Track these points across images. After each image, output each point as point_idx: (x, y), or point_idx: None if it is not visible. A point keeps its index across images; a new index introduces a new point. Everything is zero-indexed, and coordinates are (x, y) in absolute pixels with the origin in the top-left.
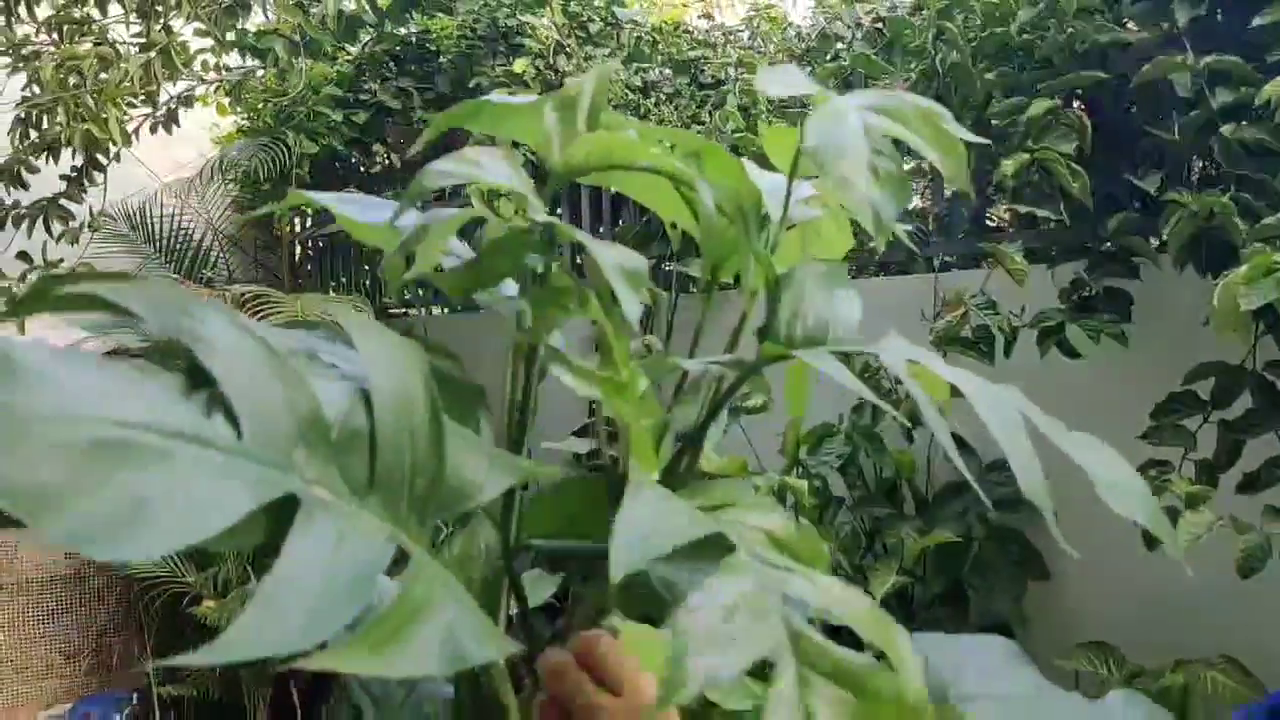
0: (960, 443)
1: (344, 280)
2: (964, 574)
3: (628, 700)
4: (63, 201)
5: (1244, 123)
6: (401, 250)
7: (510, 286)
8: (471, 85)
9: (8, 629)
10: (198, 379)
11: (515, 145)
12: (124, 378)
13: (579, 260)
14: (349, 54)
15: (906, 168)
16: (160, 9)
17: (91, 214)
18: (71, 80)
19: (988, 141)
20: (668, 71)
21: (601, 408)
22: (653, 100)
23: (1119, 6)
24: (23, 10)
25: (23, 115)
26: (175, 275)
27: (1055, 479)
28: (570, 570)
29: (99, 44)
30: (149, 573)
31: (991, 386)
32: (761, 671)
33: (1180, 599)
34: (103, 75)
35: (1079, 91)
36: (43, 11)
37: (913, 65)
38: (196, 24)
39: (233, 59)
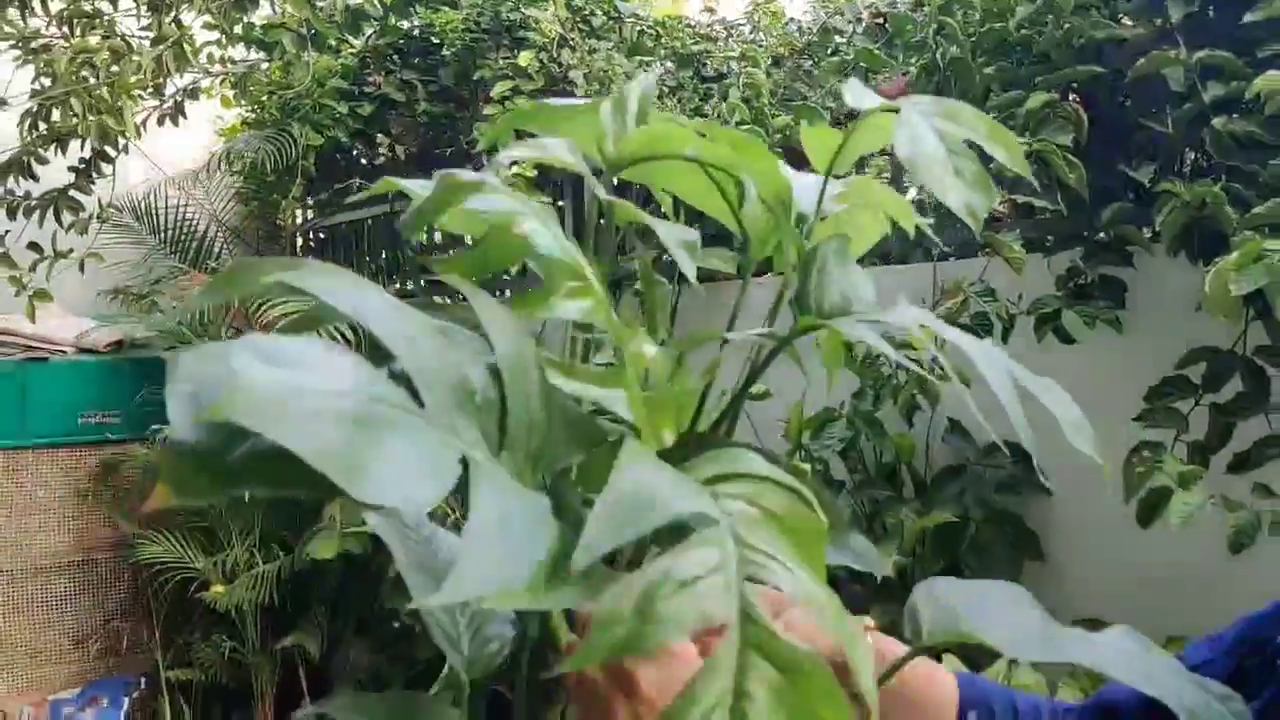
0: (958, 428)
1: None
2: (961, 554)
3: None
4: (72, 193)
5: (1235, 115)
6: (426, 207)
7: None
8: (475, 78)
9: (17, 614)
10: (375, 353)
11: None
12: (341, 356)
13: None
14: (353, 47)
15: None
16: (170, 2)
17: (101, 205)
18: (85, 74)
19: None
20: (670, 65)
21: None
22: (655, 93)
23: (1114, 3)
24: (36, 4)
25: (34, 108)
26: (180, 265)
27: (1053, 466)
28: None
29: (108, 37)
30: (157, 558)
31: (989, 350)
32: None
33: (1172, 577)
34: (114, 68)
35: (1075, 85)
36: (54, 4)
37: (914, 59)
38: (204, 17)
39: (237, 51)
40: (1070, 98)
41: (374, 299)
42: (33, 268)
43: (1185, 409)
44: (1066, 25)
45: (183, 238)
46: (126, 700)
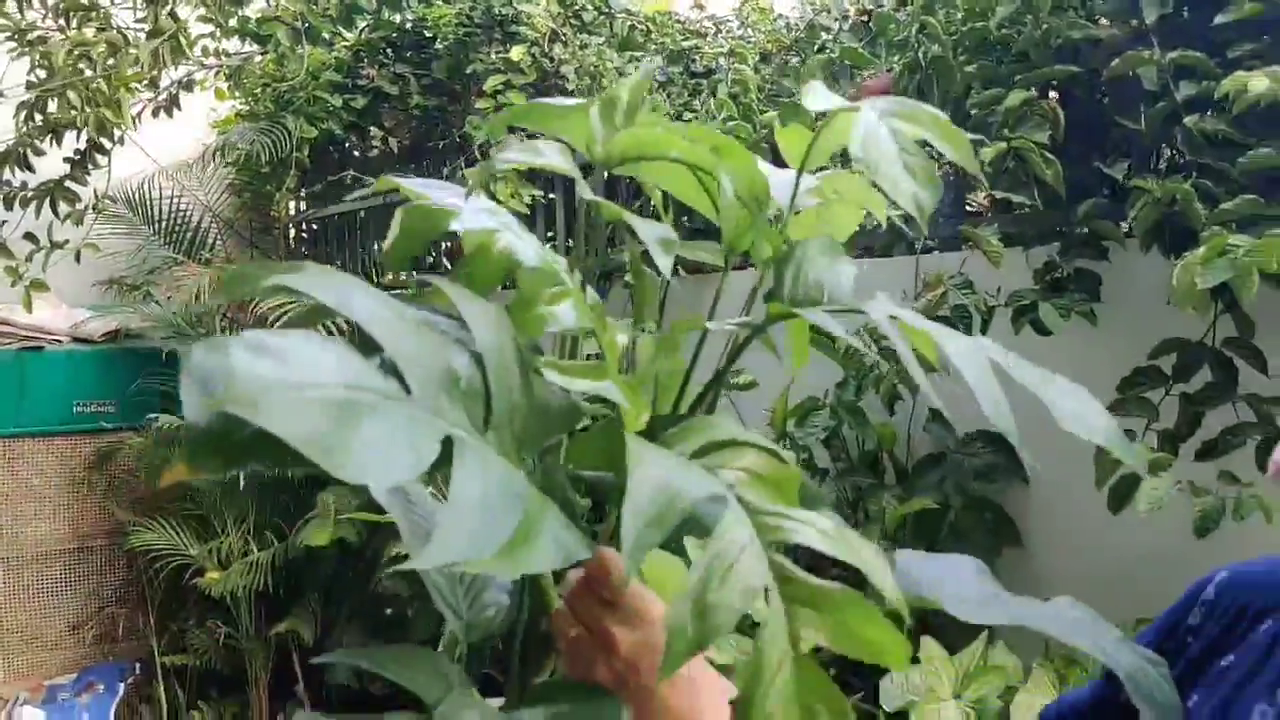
0: (939, 417)
1: (338, 263)
2: (941, 539)
3: (631, 617)
4: (68, 184)
5: (1206, 114)
6: (399, 242)
7: None
8: (468, 72)
9: (14, 601)
10: (365, 345)
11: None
12: (330, 349)
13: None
14: (347, 40)
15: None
16: None
17: (96, 196)
18: (82, 66)
19: (980, 137)
20: (660, 60)
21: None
22: (649, 86)
23: (1092, 3)
24: None
25: (31, 99)
26: (175, 255)
27: (1043, 458)
28: (607, 497)
29: (103, 29)
30: (153, 546)
31: (962, 337)
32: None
33: (1143, 560)
34: (110, 61)
35: (1056, 83)
36: None
37: (896, 58)
38: (199, 10)
39: (232, 44)
40: (1050, 96)
41: (361, 296)
42: (29, 258)
43: (1156, 399)
44: (1045, 25)
45: (177, 228)
46: (122, 685)
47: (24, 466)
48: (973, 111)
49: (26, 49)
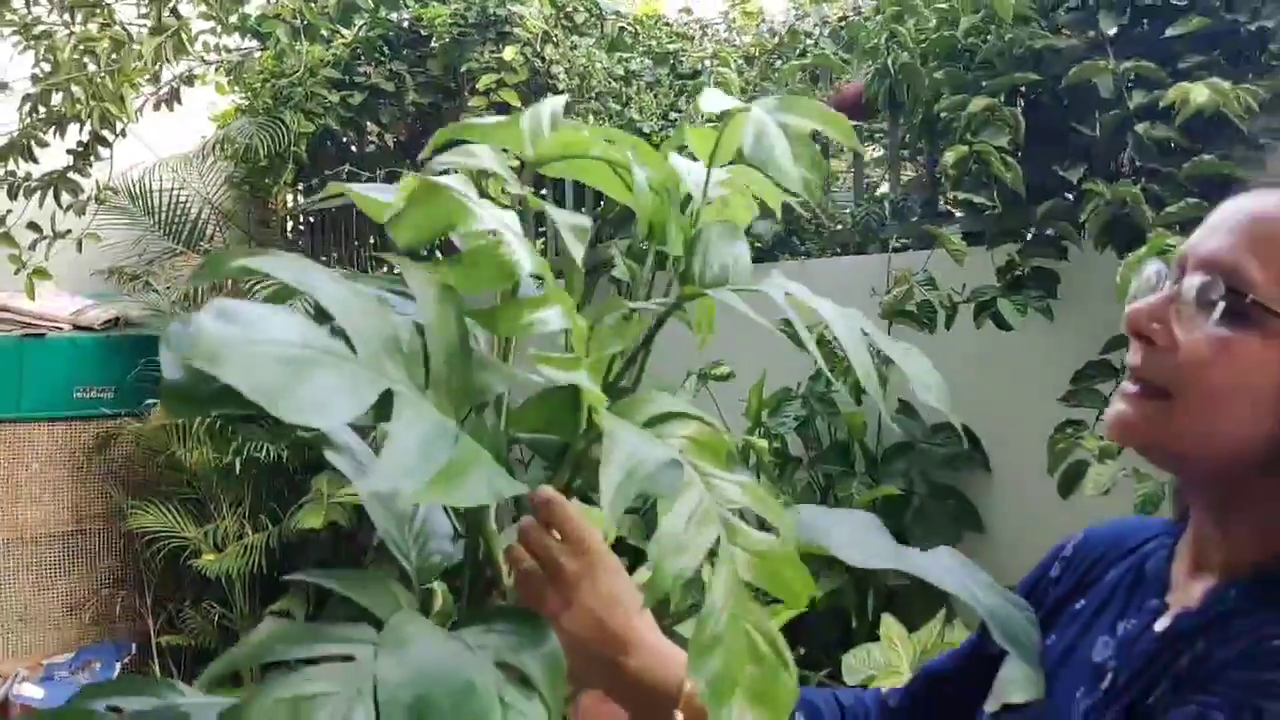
0: (907, 408)
1: (335, 254)
2: (906, 524)
3: (576, 548)
4: (71, 175)
5: (1156, 122)
6: (413, 224)
7: None
8: (462, 70)
9: (13, 581)
10: (321, 316)
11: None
12: (291, 318)
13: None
14: (345, 38)
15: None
16: None
17: (98, 186)
18: (87, 61)
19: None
20: (648, 62)
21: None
22: (634, 89)
23: (1054, 15)
24: None
25: (35, 92)
26: (174, 246)
27: (1002, 450)
28: (547, 458)
29: (106, 25)
30: (150, 528)
31: (844, 311)
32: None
33: None
34: (114, 56)
35: (1022, 90)
36: None
37: (869, 64)
38: (201, 7)
39: (232, 40)
40: (1018, 102)
41: (317, 275)
42: (32, 246)
43: (1107, 390)
44: (1008, 35)
45: (176, 220)
46: (118, 665)
47: (25, 450)
48: (942, 115)
49: (32, 43)
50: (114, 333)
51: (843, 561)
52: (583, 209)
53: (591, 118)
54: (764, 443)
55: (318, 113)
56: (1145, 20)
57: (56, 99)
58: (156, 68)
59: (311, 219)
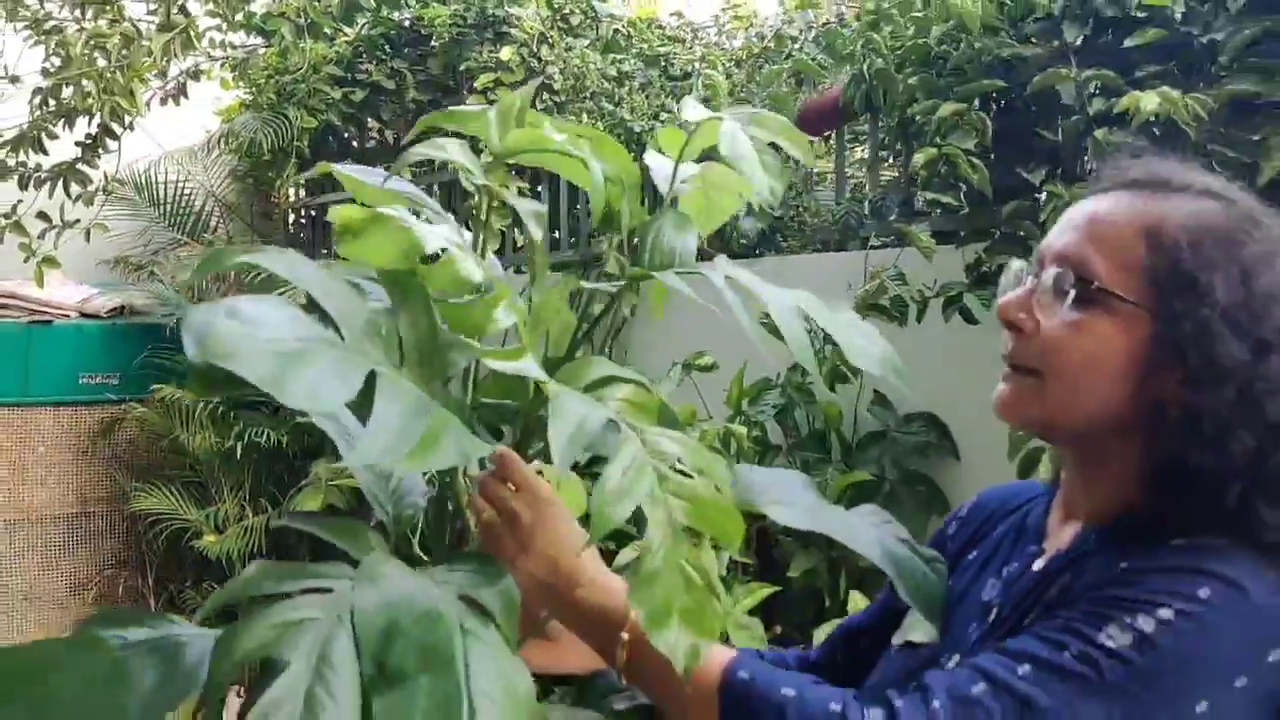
0: (882, 399)
1: (335, 245)
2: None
3: (528, 497)
4: (80, 166)
5: (1114, 128)
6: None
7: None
8: (461, 69)
9: (19, 562)
10: (310, 307)
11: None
12: (288, 311)
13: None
14: (347, 36)
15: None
16: None
17: (106, 178)
18: (98, 56)
19: (813, 138)
20: (640, 64)
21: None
22: (626, 89)
23: (1021, 25)
24: None
25: (46, 86)
26: (178, 236)
27: (969, 438)
28: (508, 421)
29: (115, 21)
30: (153, 510)
31: (781, 292)
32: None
33: None
34: (124, 52)
35: (994, 95)
36: None
37: (846, 69)
38: (207, 5)
39: (237, 36)
40: (990, 107)
41: (305, 268)
42: (42, 236)
43: None
44: (978, 44)
45: (181, 211)
46: None
47: (31, 434)
48: (916, 119)
49: (43, 38)
50: (119, 321)
51: (818, 545)
52: (577, 203)
53: (585, 117)
54: (744, 430)
55: (320, 109)
56: (1107, 31)
57: (66, 92)
58: (165, 63)
59: (313, 212)
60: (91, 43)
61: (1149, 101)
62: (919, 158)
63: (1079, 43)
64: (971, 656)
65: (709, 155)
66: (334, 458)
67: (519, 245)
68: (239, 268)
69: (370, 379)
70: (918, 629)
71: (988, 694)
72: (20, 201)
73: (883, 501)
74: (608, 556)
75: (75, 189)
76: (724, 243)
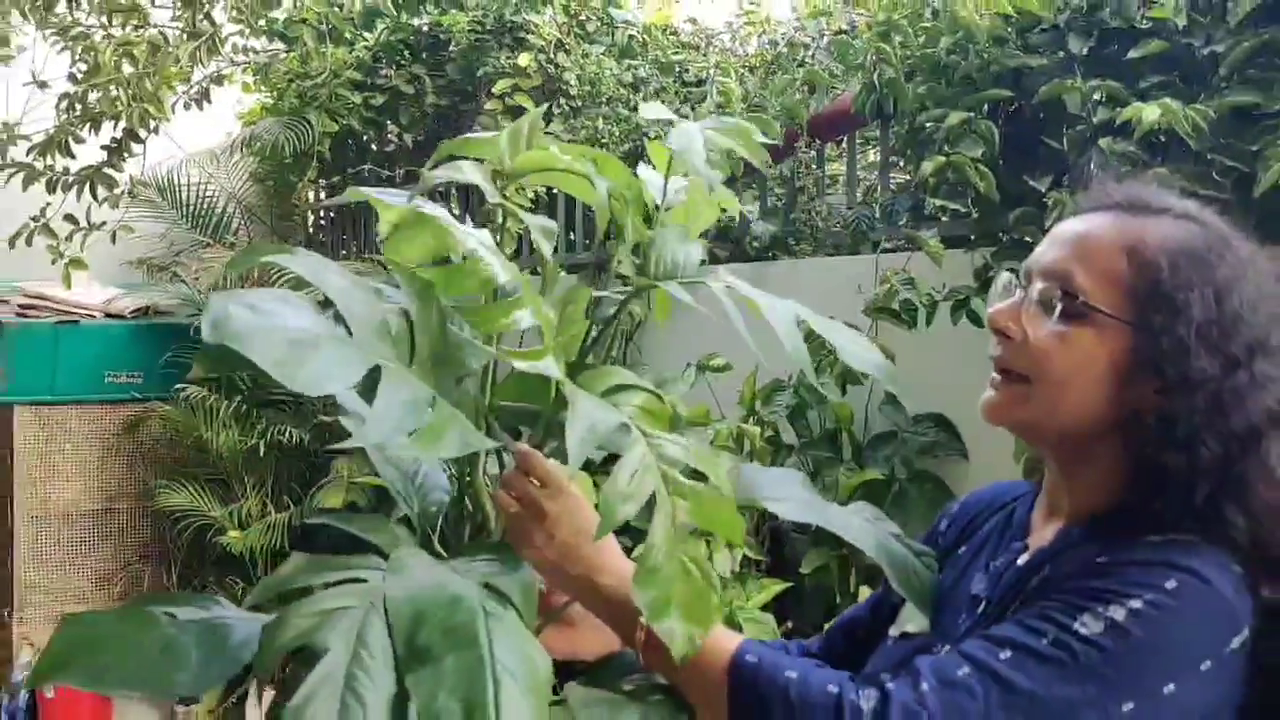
0: (892, 400)
1: (353, 246)
2: (886, 506)
3: (552, 491)
4: (106, 169)
5: (1118, 137)
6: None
7: None
8: (479, 74)
9: (46, 557)
10: (326, 304)
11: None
12: (302, 307)
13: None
14: (367, 42)
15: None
16: (205, 1)
17: (132, 181)
18: (125, 64)
19: (776, 142)
20: (655, 70)
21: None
22: (641, 95)
23: (1028, 36)
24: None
25: (77, 92)
26: (201, 238)
27: (977, 438)
28: (527, 423)
29: (139, 27)
30: (177, 507)
31: (778, 300)
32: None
33: None
34: (152, 60)
35: (1003, 104)
36: None
37: (857, 78)
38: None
39: (259, 42)
40: (998, 116)
41: (326, 271)
42: (69, 237)
43: None
44: (985, 54)
45: (203, 213)
46: None
47: (59, 432)
48: (927, 126)
49: (70, 44)
50: (143, 321)
51: (828, 543)
52: (588, 208)
53: (601, 121)
54: (756, 430)
55: (341, 113)
56: (1112, 42)
57: (93, 97)
58: (190, 69)
59: (331, 214)
60: (120, 50)
61: (1150, 113)
62: (927, 166)
63: (1084, 54)
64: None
65: None
66: (355, 455)
67: (533, 249)
68: (264, 266)
69: (375, 372)
70: (913, 620)
71: (971, 676)
72: (49, 205)
73: (892, 500)
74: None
75: (102, 192)
76: (737, 246)
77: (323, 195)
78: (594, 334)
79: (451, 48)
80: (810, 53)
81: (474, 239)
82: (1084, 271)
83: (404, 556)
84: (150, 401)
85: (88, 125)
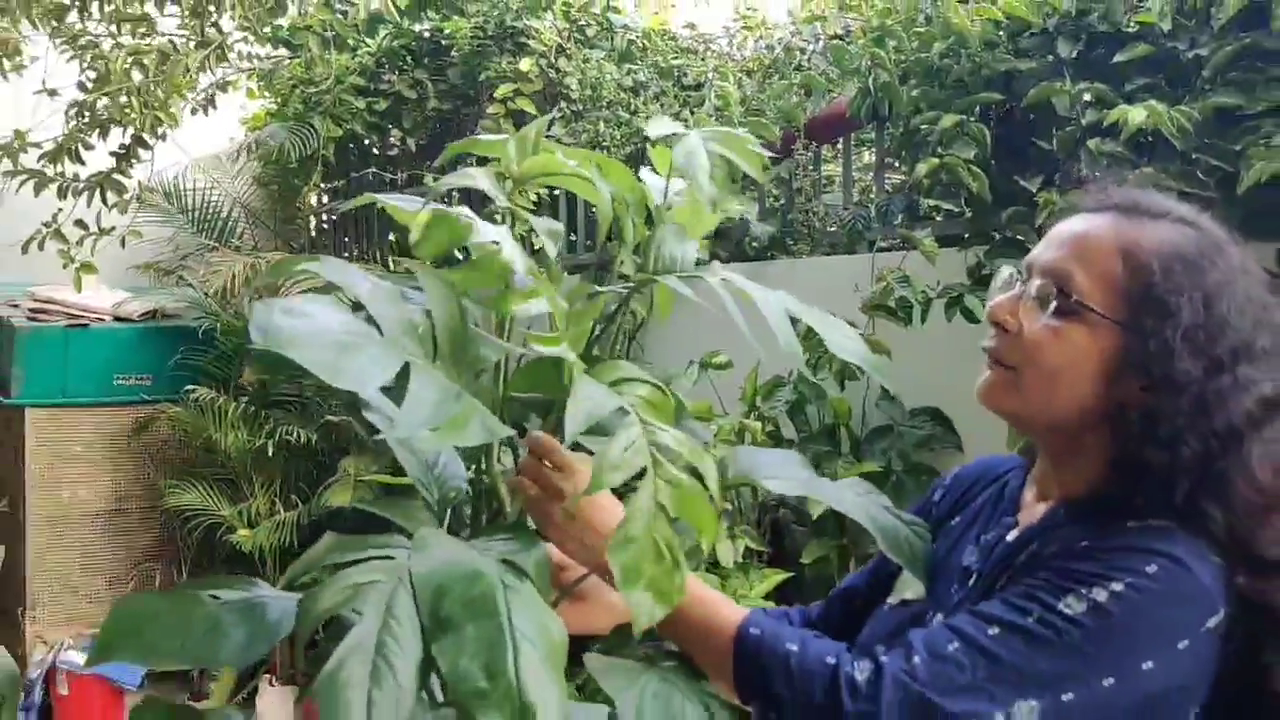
0: (889, 395)
1: (356, 250)
2: None
3: (568, 472)
4: (115, 175)
5: (1105, 138)
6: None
7: None
8: (480, 79)
9: (58, 556)
10: (356, 306)
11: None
12: (336, 311)
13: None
14: (370, 48)
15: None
16: (213, 9)
17: (140, 186)
18: (135, 72)
19: (773, 154)
20: (655, 74)
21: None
22: (641, 99)
23: (1018, 40)
24: (95, 8)
25: (87, 100)
26: (207, 242)
27: (972, 431)
28: (540, 413)
29: (146, 35)
30: (187, 506)
31: (770, 292)
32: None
33: None
34: (162, 68)
35: (994, 107)
36: (106, 7)
37: (853, 82)
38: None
39: (263, 48)
40: (989, 118)
41: (357, 276)
42: (80, 242)
43: None
44: (977, 58)
45: (208, 218)
46: None
47: (68, 433)
48: (921, 128)
49: (80, 53)
50: (152, 324)
51: (828, 534)
52: (591, 208)
53: (602, 125)
54: (758, 425)
55: (344, 118)
56: (1100, 46)
57: (101, 104)
58: (198, 77)
59: (334, 217)
60: (130, 58)
61: (1137, 115)
62: (921, 168)
63: (1073, 57)
64: (951, 617)
65: None
66: (362, 454)
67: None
68: (299, 273)
69: (405, 369)
70: (910, 588)
71: (960, 651)
72: (60, 210)
73: (890, 492)
74: None
75: (111, 197)
76: (736, 247)
77: (326, 199)
78: (597, 331)
79: (453, 53)
80: (806, 57)
81: (494, 231)
82: (1082, 271)
83: (427, 536)
84: (159, 403)
85: (97, 132)
